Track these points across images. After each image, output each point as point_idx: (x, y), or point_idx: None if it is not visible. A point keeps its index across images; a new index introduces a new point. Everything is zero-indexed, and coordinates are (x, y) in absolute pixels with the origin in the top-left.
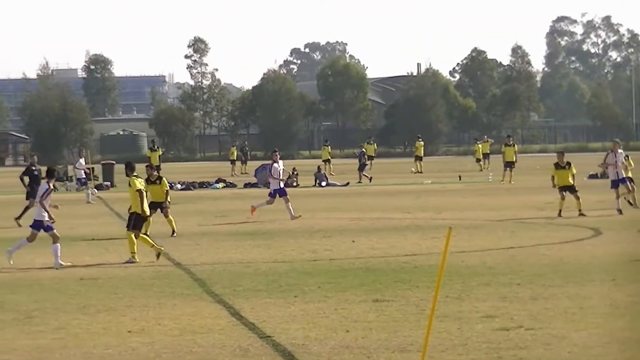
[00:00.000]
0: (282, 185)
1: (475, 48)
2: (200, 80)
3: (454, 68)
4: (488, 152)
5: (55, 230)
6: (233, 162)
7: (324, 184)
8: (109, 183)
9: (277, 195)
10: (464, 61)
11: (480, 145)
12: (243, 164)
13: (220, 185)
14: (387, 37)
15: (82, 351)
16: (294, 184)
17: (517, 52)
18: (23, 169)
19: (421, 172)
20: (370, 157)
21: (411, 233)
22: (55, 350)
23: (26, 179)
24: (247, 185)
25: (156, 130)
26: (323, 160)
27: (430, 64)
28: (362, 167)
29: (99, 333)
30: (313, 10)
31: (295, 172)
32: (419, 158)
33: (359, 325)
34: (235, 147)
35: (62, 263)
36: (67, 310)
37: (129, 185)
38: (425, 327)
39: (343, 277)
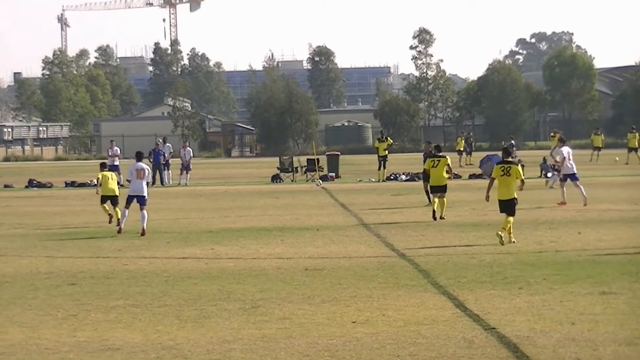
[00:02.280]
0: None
1: None
2: (425, 71)
3: None
4: None
5: None
6: (460, 152)
7: (549, 175)
8: (333, 174)
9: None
10: None
11: None
12: (468, 155)
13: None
14: (613, 26)
15: (306, 341)
16: None
17: None
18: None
19: (639, 164)
20: (597, 148)
21: (639, 225)
22: (280, 340)
23: None
24: (471, 177)
25: (381, 121)
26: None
27: None
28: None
29: (323, 323)
30: (539, 0)
31: (520, 164)
32: (632, 150)
33: (585, 317)
34: (462, 138)
35: None
36: (292, 301)
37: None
38: None
39: (569, 269)
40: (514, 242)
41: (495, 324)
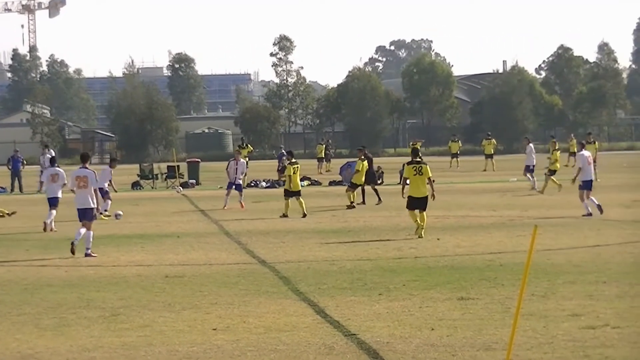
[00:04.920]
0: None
1: (562, 45)
2: (285, 78)
3: (540, 65)
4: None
5: None
6: (320, 159)
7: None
8: (194, 181)
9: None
10: (550, 58)
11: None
12: (327, 162)
13: (306, 182)
14: (472, 35)
15: (167, 349)
16: (379, 181)
17: (604, 49)
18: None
19: (493, 170)
20: (455, 155)
21: (497, 231)
22: (141, 347)
23: None
24: (331, 183)
25: (241, 128)
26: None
27: (516, 62)
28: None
29: (184, 330)
30: (398, 8)
31: (380, 171)
32: (489, 156)
33: (444, 323)
34: (323, 145)
35: None
36: (152, 308)
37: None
38: (510, 325)
39: (428, 275)
40: (421, 237)
41: (355, 330)
